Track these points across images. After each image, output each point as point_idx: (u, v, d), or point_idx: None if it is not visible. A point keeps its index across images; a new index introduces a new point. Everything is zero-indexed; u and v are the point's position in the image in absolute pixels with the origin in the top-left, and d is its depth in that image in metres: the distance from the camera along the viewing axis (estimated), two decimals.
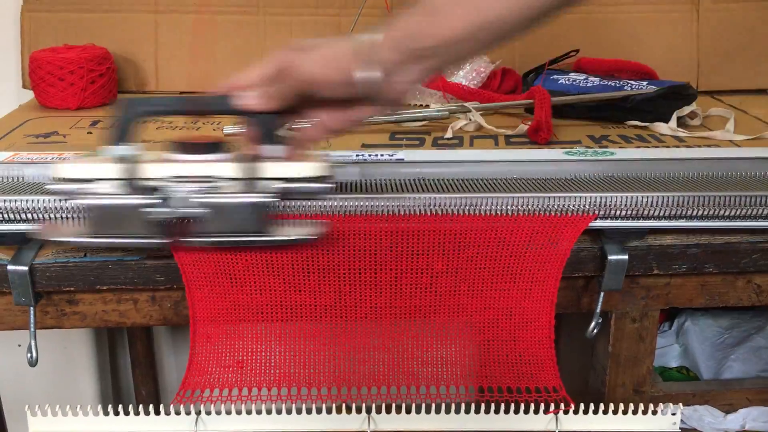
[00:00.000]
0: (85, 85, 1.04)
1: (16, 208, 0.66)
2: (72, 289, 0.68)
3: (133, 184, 0.61)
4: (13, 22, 1.16)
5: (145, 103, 0.64)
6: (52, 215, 0.66)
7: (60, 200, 0.65)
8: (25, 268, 0.65)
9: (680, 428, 0.81)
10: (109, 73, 1.07)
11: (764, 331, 0.94)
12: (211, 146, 0.63)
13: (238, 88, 0.61)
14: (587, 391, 0.85)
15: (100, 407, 0.68)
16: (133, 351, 1.52)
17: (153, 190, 0.61)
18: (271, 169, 0.62)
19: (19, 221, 0.66)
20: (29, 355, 0.69)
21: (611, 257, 0.68)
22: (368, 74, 0.58)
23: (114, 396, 1.57)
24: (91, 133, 0.94)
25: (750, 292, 0.76)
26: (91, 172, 0.61)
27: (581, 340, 0.75)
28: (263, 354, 0.69)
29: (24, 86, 1.15)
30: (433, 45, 0.58)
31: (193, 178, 0.61)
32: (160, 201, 0.62)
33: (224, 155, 0.63)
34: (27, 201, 0.66)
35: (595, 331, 0.73)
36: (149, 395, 1.56)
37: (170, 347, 1.62)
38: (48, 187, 0.63)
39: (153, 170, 0.61)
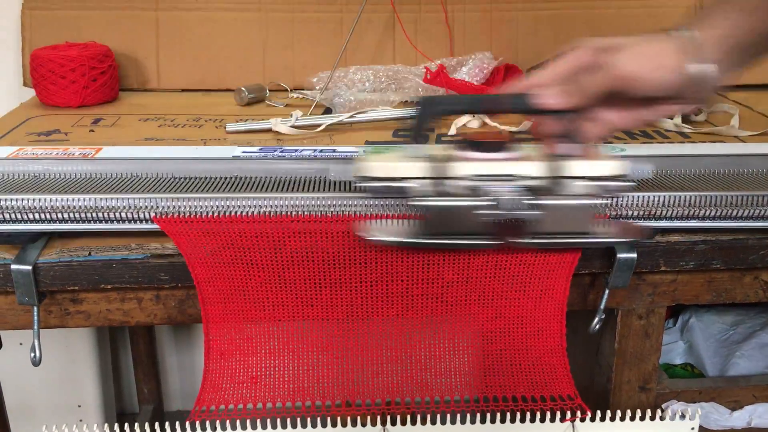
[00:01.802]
0: (86, 83, 1.04)
1: (20, 207, 0.65)
2: (76, 288, 0.68)
3: (447, 184, 0.61)
4: (14, 19, 1.16)
5: (443, 102, 0.65)
6: (64, 214, 0.65)
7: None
8: (29, 267, 0.65)
9: None
10: (110, 70, 1.07)
11: None
12: (500, 144, 0.62)
13: (536, 86, 0.61)
14: (593, 387, 0.84)
15: (107, 426, 0.67)
16: (135, 350, 1.52)
17: (471, 190, 0.61)
18: (575, 167, 0.61)
19: (22, 221, 0.66)
20: (33, 354, 0.69)
21: (620, 255, 0.68)
22: (701, 68, 0.57)
23: (116, 395, 1.56)
24: (93, 131, 0.94)
25: (757, 288, 0.75)
26: (403, 171, 0.61)
27: (587, 336, 0.74)
28: (277, 369, 0.69)
29: (25, 84, 1.14)
30: (753, 41, 0.58)
31: (503, 177, 0.61)
32: (493, 203, 0.61)
33: (516, 153, 0.62)
34: (33, 200, 0.65)
35: (598, 326, 0.72)
36: (151, 394, 1.56)
37: (172, 346, 1.62)
38: (362, 185, 0.62)
39: (461, 169, 0.61)
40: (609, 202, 0.65)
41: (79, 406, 1.44)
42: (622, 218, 0.68)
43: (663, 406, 0.81)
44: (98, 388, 1.45)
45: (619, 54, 0.58)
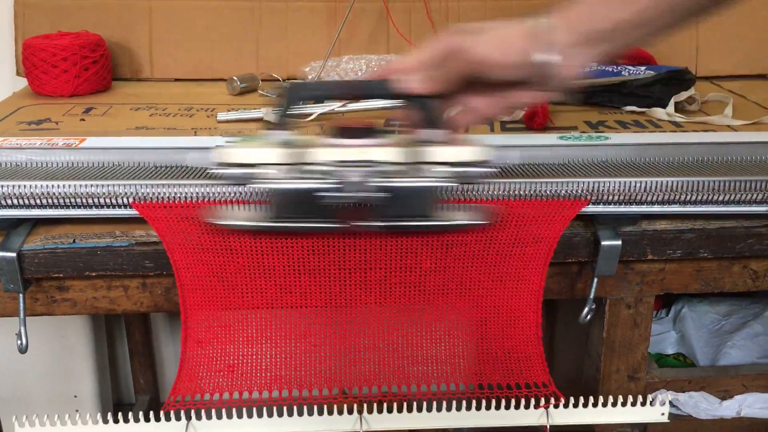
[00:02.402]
0: (78, 72, 1.03)
1: (1, 193, 0.65)
2: (61, 275, 0.68)
3: (302, 169, 0.61)
4: (7, 8, 1.15)
5: (306, 88, 0.65)
6: (45, 200, 0.65)
7: (222, 185, 0.66)
8: (13, 254, 0.65)
9: (675, 415, 0.81)
10: (102, 60, 1.07)
11: (762, 317, 0.93)
12: (367, 130, 0.62)
13: (399, 71, 0.61)
14: (582, 377, 0.84)
15: (89, 415, 0.67)
16: (131, 340, 1.52)
17: (324, 174, 0.61)
18: (435, 153, 0.61)
19: (6, 207, 0.66)
20: (19, 342, 0.69)
21: (604, 243, 0.68)
22: (546, 56, 0.57)
23: (112, 385, 1.57)
24: (84, 120, 0.94)
25: (746, 277, 0.75)
26: (259, 157, 0.61)
27: (577, 326, 0.74)
28: (254, 357, 0.69)
29: (18, 73, 1.14)
30: (608, 28, 0.57)
31: (360, 162, 0.61)
32: (337, 185, 0.61)
33: (382, 139, 0.62)
34: (14, 187, 0.65)
35: (589, 316, 0.72)
36: (147, 384, 1.57)
37: (168, 336, 1.62)
38: (215, 171, 0.62)
39: (319, 154, 0.61)
40: (456, 185, 0.64)
41: (75, 397, 1.44)
42: (596, 203, 0.68)
43: (652, 395, 0.81)
44: (94, 379, 1.45)
45: (474, 38, 0.58)
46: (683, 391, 0.81)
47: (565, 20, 0.57)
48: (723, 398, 0.81)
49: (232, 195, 0.66)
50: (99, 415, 0.67)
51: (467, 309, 0.69)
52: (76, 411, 1.46)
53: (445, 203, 0.65)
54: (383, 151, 0.61)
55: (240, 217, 0.64)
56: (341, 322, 0.69)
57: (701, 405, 0.80)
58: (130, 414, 0.67)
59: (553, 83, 0.59)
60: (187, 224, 0.64)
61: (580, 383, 0.86)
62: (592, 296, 0.72)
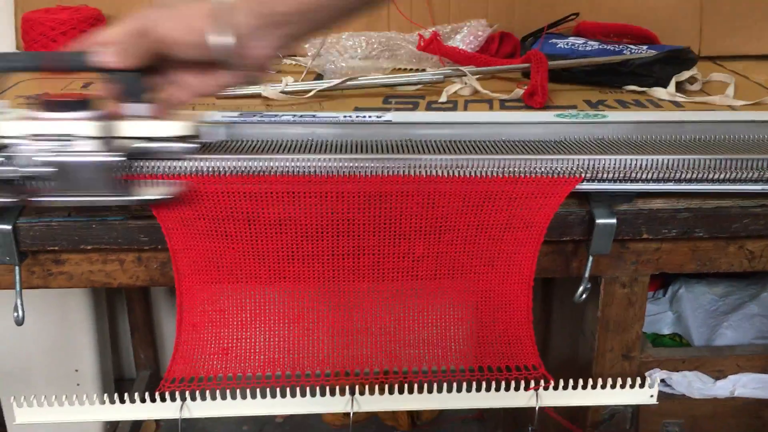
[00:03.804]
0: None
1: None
2: (57, 248, 0.68)
3: None
4: None
5: (3, 59, 0.63)
6: None
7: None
8: (9, 226, 0.65)
9: (669, 394, 0.81)
10: None
11: (758, 298, 0.93)
12: (77, 104, 0.61)
13: (98, 44, 0.60)
14: (576, 356, 0.84)
15: (86, 396, 0.68)
16: (132, 315, 1.53)
17: (2, 147, 0.61)
18: (130, 128, 0.61)
19: None
20: (16, 314, 0.69)
21: (599, 221, 0.67)
22: (221, 39, 0.57)
23: (113, 361, 1.58)
24: None
25: (742, 257, 0.75)
26: None
27: (572, 305, 0.74)
28: (248, 340, 0.70)
29: (17, 47, 1.14)
30: (288, 11, 0.57)
31: (50, 136, 0.60)
32: (4, 159, 0.61)
33: (88, 113, 0.61)
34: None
35: (584, 296, 0.72)
36: (148, 359, 1.58)
37: (169, 312, 1.63)
38: None
39: (7, 128, 0.60)
40: (123, 160, 0.63)
41: (76, 371, 1.45)
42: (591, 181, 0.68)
43: (646, 374, 0.81)
44: (95, 354, 1.46)
45: (159, 15, 0.58)
46: (677, 371, 0.81)
47: (246, 1, 0.57)
48: (717, 378, 0.81)
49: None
50: (96, 395, 0.68)
51: (459, 293, 0.70)
52: (77, 385, 1.47)
53: (132, 179, 0.64)
54: (80, 126, 0.60)
55: None
56: (334, 306, 0.69)
57: (695, 384, 0.81)
58: (126, 395, 0.67)
59: (236, 65, 0.58)
60: (184, 209, 0.65)
61: (574, 362, 0.86)
62: (587, 275, 0.72)
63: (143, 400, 0.67)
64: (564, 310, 0.93)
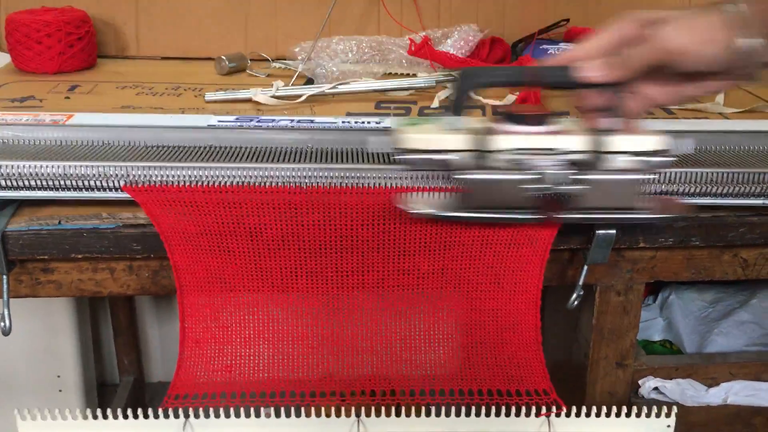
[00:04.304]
0: (63, 49, 1.01)
1: None
2: (46, 257, 0.66)
3: (489, 157, 0.60)
4: None
5: (483, 74, 0.64)
6: (32, 181, 0.64)
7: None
8: None
9: (662, 402, 0.81)
10: (87, 36, 1.04)
11: (748, 305, 0.94)
12: (539, 117, 0.61)
13: (578, 58, 0.60)
14: (570, 363, 0.84)
15: (88, 411, 0.66)
16: (116, 320, 1.51)
17: (513, 163, 0.60)
18: (617, 142, 0.60)
19: None
20: (2, 324, 0.68)
21: (599, 231, 0.67)
22: (751, 42, 0.56)
23: (96, 366, 1.56)
24: (68, 98, 0.92)
25: (736, 266, 0.75)
26: (444, 143, 0.60)
27: (565, 311, 0.74)
28: (252, 357, 0.69)
29: (1, 49, 1.12)
30: None
31: (544, 150, 0.60)
32: (538, 176, 0.60)
33: (557, 126, 0.61)
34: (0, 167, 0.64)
35: (576, 302, 0.72)
36: (132, 365, 1.56)
37: (153, 317, 1.61)
38: (402, 157, 0.61)
39: (502, 142, 0.60)
40: (652, 177, 0.65)
41: (59, 377, 1.43)
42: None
43: (639, 382, 0.81)
44: (78, 359, 1.44)
45: (665, 27, 0.58)
46: (670, 378, 0.81)
47: (758, 8, 0.57)
48: (710, 386, 0.82)
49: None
50: (99, 410, 0.66)
51: (465, 312, 0.69)
52: (60, 391, 1.44)
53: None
54: (566, 139, 0.60)
55: (434, 206, 0.63)
56: (339, 324, 0.68)
57: (688, 392, 0.81)
58: (129, 410, 0.66)
59: (752, 69, 0.58)
60: (182, 210, 0.63)
61: (567, 369, 0.86)
62: (581, 282, 0.72)
63: (146, 416, 0.65)
64: (557, 317, 0.93)
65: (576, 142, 0.60)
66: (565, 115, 0.86)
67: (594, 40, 0.60)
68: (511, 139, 0.60)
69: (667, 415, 0.68)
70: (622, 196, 0.62)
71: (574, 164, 0.61)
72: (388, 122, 0.79)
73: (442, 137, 0.60)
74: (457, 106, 0.61)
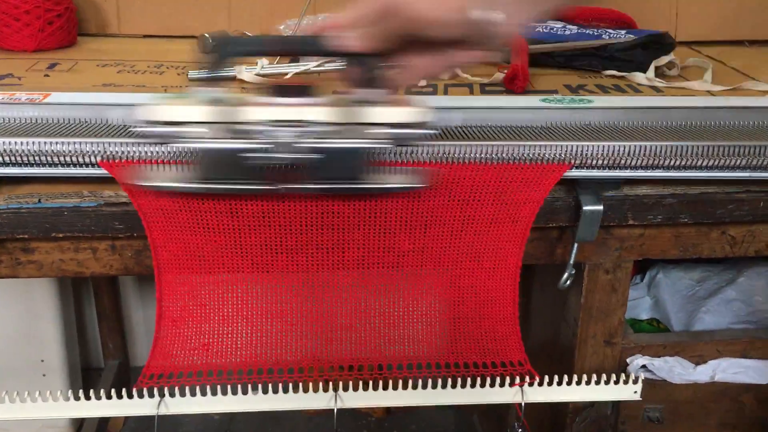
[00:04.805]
0: (42, 26, 0.99)
1: None
2: (26, 236, 0.65)
3: (231, 128, 0.58)
4: None
5: (238, 43, 0.62)
6: (7, 157, 0.62)
7: (153, 144, 0.62)
8: None
9: (650, 379, 0.81)
10: (67, 13, 1.02)
11: (735, 283, 0.94)
12: (302, 89, 0.60)
13: (336, 27, 0.58)
14: (558, 342, 0.84)
15: (59, 392, 0.65)
16: (100, 304, 1.50)
17: (254, 134, 0.58)
18: (371, 113, 0.59)
19: None
20: None
21: (586, 208, 0.67)
22: (487, 14, 0.55)
23: (81, 350, 1.54)
24: (48, 76, 0.90)
25: (724, 243, 0.75)
26: (186, 115, 0.58)
27: (552, 290, 0.74)
28: (230, 335, 0.68)
29: None
30: None
31: (292, 122, 0.58)
32: (266, 146, 0.59)
33: (317, 99, 0.60)
34: None
35: (568, 282, 0.72)
36: (116, 349, 1.55)
37: (138, 300, 1.60)
38: (139, 129, 0.59)
39: (250, 113, 0.58)
40: (389, 147, 0.63)
41: (42, 361, 1.42)
42: (581, 168, 0.67)
43: (628, 360, 0.81)
44: (62, 343, 1.42)
45: None
46: (658, 356, 0.81)
47: None
48: (697, 363, 0.82)
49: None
50: (70, 391, 0.65)
51: (445, 289, 0.68)
52: (43, 375, 1.43)
53: (379, 166, 0.63)
54: (317, 111, 0.59)
55: (165, 178, 0.61)
56: (317, 301, 0.68)
57: (675, 370, 0.81)
58: (102, 391, 0.65)
59: (492, 42, 0.57)
60: (165, 200, 0.62)
61: (554, 348, 0.86)
62: (572, 262, 0.71)
63: (120, 396, 0.64)
64: (544, 297, 0.93)
65: (327, 114, 0.59)
66: (553, 93, 0.86)
67: (352, 9, 0.58)
68: (262, 111, 0.59)
69: (635, 382, 0.69)
70: (354, 166, 0.61)
71: (314, 135, 0.59)
72: None
73: (185, 109, 0.58)
74: (212, 77, 0.59)
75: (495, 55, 0.59)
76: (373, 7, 0.57)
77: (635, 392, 0.69)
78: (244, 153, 0.59)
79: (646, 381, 0.75)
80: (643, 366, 0.81)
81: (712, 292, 0.93)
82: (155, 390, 0.65)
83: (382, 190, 0.63)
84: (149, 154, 0.63)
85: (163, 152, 0.63)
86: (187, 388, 0.65)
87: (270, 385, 0.66)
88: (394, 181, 0.62)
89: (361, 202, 0.64)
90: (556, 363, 0.85)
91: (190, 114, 0.58)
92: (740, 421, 0.85)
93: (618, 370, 0.81)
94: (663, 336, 0.87)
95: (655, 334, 0.88)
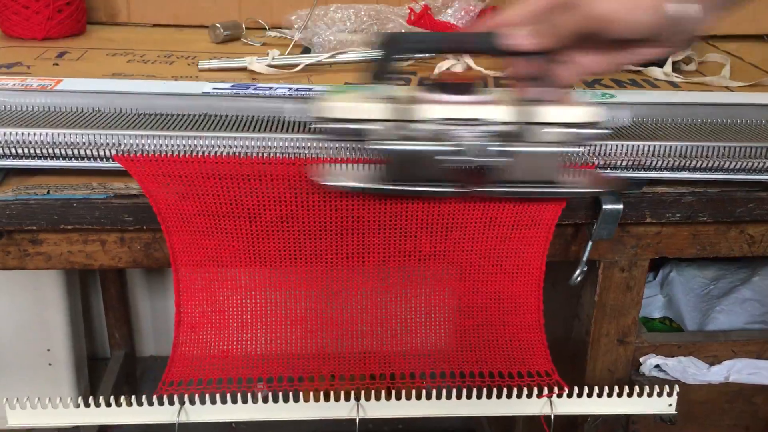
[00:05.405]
0: (51, 14, 0.98)
1: None
2: (35, 228, 0.64)
3: (411, 127, 0.57)
4: None
5: (408, 40, 0.61)
6: (19, 149, 0.61)
7: (322, 142, 0.62)
8: None
9: (663, 379, 0.80)
10: (76, 2, 1.01)
11: (750, 282, 0.92)
12: (467, 86, 0.58)
13: (506, 25, 0.57)
14: (571, 339, 0.83)
15: (80, 399, 0.64)
16: (106, 294, 1.49)
17: (436, 134, 0.57)
18: (546, 113, 0.57)
19: None
20: None
21: (606, 206, 0.65)
22: (682, 8, 0.53)
23: (87, 340, 1.54)
24: (57, 64, 0.89)
25: (742, 242, 0.74)
26: (365, 112, 0.57)
27: (567, 288, 0.73)
28: (249, 342, 0.67)
29: None
30: None
31: (468, 121, 0.57)
32: (458, 149, 0.58)
33: (485, 96, 0.58)
34: None
35: (579, 279, 0.71)
36: (123, 339, 1.54)
37: (144, 290, 1.60)
38: (320, 126, 0.58)
39: (426, 111, 0.57)
40: (580, 149, 0.62)
41: (49, 351, 1.42)
42: (604, 168, 0.65)
43: (641, 359, 0.80)
44: (68, 333, 1.42)
45: None
46: (672, 356, 0.80)
47: None
48: (711, 363, 0.81)
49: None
50: (91, 398, 0.64)
51: (467, 294, 0.67)
52: (50, 365, 1.43)
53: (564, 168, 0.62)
54: (492, 110, 0.57)
55: (352, 178, 0.60)
56: (338, 307, 0.67)
57: (689, 370, 0.80)
58: (123, 398, 0.64)
59: (681, 38, 0.56)
60: (184, 205, 0.61)
61: (568, 346, 0.84)
62: (585, 258, 0.70)
63: (140, 403, 0.63)
64: (557, 294, 0.92)
65: (502, 113, 0.58)
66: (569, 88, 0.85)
67: (522, 6, 0.57)
68: (435, 109, 0.58)
69: (669, 394, 0.67)
70: (546, 169, 0.60)
71: (498, 135, 0.58)
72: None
73: (361, 105, 0.57)
74: (380, 74, 0.58)
75: (680, 49, 0.58)
76: (545, 3, 0.56)
77: (670, 405, 0.67)
78: (437, 155, 0.58)
79: (659, 381, 0.74)
80: (657, 366, 0.80)
81: (726, 291, 0.92)
82: (175, 397, 0.64)
83: (573, 194, 0.62)
84: (163, 147, 0.61)
85: (178, 146, 0.62)
86: (207, 396, 0.64)
87: (291, 393, 0.65)
88: (583, 184, 0.61)
89: (381, 203, 0.63)
90: (568, 361, 0.84)
91: (369, 111, 0.57)
92: (754, 423, 0.84)
93: (631, 369, 0.80)
94: (677, 336, 0.86)
95: (669, 334, 0.87)
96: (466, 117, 0.57)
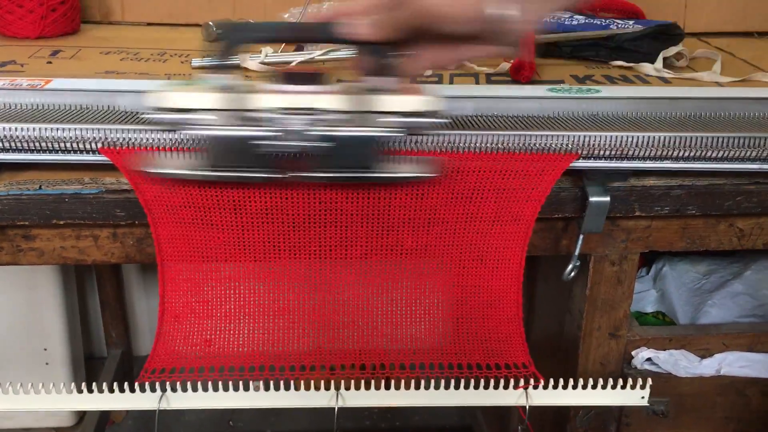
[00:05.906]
0: (45, 13, 0.98)
1: None
2: (27, 223, 0.64)
3: (241, 116, 0.58)
4: None
5: (247, 29, 0.61)
6: (7, 143, 0.62)
7: (157, 131, 0.62)
8: None
9: (655, 372, 0.81)
10: (70, 0, 1.02)
11: (742, 276, 0.93)
12: (312, 77, 0.59)
13: (347, 14, 0.58)
14: (563, 334, 0.83)
15: (62, 384, 0.65)
16: (103, 292, 1.50)
17: (264, 121, 0.58)
18: (384, 102, 0.58)
19: None
20: None
21: (592, 199, 0.66)
22: (502, 11, 0.54)
23: (84, 339, 1.54)
24: (51, 63, 0.89)
25: (731, 235, 0.74)
26: (196, 102, 0.57)
27: (557, 282, 0.73)
28: (233, 332, 0.68)
29: None
30: None
31: (303, 110, 0.58)
32: (276, 134, 0.58)
33: (328, 87, 0.59)
34: None
35: (572, 274, 0.71)
36: (119, 338, 1.55)
37: (141, 289, 1.60)
38: (148, 116, 0.59)
39: (260, 101, 0.58)
40: (401, 136, 0.62)
41: (45, 350, 1.42)
42: (587, 158, 0.66)
43: (633, 353, 0.80)
44: (64, 332, 1.42)
45: None
46: (663, 349, 0.81)
47: None
48: (703, 357, 0.81)
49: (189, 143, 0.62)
50: (73, 384, 0.65)
51: (448, 288, 0.68)
52: (46, 364, 1.43)
53: (391, 155, 0.63)
54: (329, 99, 0.58)
55: (173, 166, 0.60)
56: (320, 299, 0.67)
57: (681, 363, 0.80)
58: (105, 384, 0.65)
59: (506, 38, 0.56)
60: (170, 196, 0.62)
61: (559, 339, 0.85)
62: (577, 253, 0.71)
63: (122, 390, 0.64)
64: (548, 289, 0.92)
65: (339, 102, 0.58)
66: (560, 83, 0.85)
67: None
68: (270, 98, 0.58)
69: (642, 387, 0.68)
70: (364, 155, 0.60)
71: (325, 123, 0.58)
72: None
73: (194, 95, 0.57)
74: (220, 64, 0.58)
75: (507, 50, 0.58)
76: None
77: (642, 397, 0.68)
78: (253, 140, 0.58)
79: (651, 374, 0.74)
80: (649, 359, 0.80)
81: (718, 286, 0.93)
82: (157, 384, 0.65)
83: (393, 180, 0.62)
84: (151, 141, 0.62)
85: (165, 139, 0.62)
86: (188, 383, 0.65)
87: (271, 381, 0.65)
88: (405, 170, 0.62)
89: (365, 196, 0.64)
90: (560, 355, 0.84)
91: (199, 101, 0.57)
92: (745, 415, 0.84)
93: (623, 363, 0.81)
94: (669, 329, 0.86)
95: (660, 327, 0.88)
96: (301, 106, 0.58)
